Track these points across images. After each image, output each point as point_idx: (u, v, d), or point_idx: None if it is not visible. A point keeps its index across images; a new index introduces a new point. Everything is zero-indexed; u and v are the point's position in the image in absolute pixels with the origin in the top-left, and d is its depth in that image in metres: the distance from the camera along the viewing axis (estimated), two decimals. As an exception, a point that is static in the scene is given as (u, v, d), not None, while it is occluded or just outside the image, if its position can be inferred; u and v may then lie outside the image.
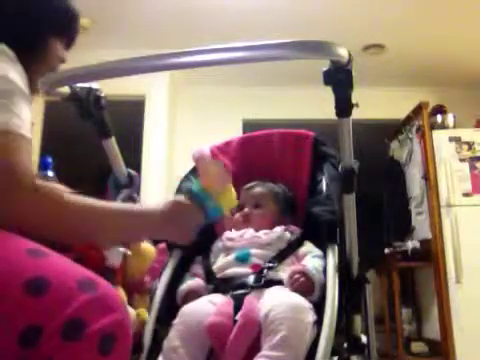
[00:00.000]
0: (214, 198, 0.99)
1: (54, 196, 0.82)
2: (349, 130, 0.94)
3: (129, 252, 1.06)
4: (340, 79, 0.79)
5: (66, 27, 1.10)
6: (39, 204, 0.80)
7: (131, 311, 1.10)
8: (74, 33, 1.12)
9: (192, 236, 1.01)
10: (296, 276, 1.12)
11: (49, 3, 1.04)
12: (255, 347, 0.99)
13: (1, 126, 0.81)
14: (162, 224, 0.95)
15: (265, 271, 1.17)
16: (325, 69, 0.79)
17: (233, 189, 1.04)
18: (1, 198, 0.77)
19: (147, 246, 1.18)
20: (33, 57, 1.00)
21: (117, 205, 0.95)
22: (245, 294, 1.10)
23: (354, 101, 0.86)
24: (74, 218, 0.84)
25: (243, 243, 1.27)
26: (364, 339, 1.22)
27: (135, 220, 0.93)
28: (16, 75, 0.87)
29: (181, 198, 1.00)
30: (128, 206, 0.97)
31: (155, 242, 1.29)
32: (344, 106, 0.87)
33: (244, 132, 3.74)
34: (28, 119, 0.86)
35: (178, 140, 4.23)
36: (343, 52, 0.72)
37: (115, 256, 0.98)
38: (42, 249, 0.76)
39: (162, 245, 1.23)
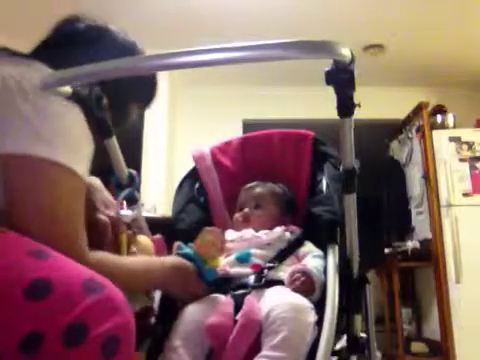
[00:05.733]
0: (208, 262, 1.14)
1: (101, 265, 0.87)
2: (350, 130, 0.94)
3: (150, 302, 1.15)
4: (342, 79, 0.79)
5: (149, 98, 1.18)
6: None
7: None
8: (152, 101, 1.19)
9: (194, 294, 1.13)
10: (297, 275, 1.12)
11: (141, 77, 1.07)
12: (255, 347, 0.99)
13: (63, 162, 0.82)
14: (171, 278, 1.08)
15: (265, 271, 1.16)
16: (327, 69, 0.79)
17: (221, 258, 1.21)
18: None
19: (144, 238, 1.18)
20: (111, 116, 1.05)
21: (137, 262, 1.05)
22: (245, 294, 1.10)
23: (356, 101, 0.86)
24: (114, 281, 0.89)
25: (243, 244, 1.27)
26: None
27: (152, 275, 1.05)
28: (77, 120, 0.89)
29: (182, 259, 1.12)
30: (145, 262, 1.06)
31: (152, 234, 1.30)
32: (346, 106, 0.87)
33: (244, 132, 3.74)
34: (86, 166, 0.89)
35: (178, 140, 4.22)
36: (346, 52, 0.72)
37: (137, 305, 1.03)
38: (45, 249, 0.74)
39: (157, 236, 1.24)
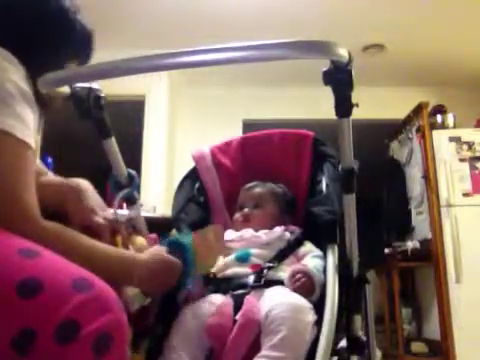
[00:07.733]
0: (198, 266, 1.05)
1: (55, 232, 0.85)
2: (349, 130, 0.94)
3: (148, 300, 1.08)
4: (340, 79, 0.79)
5: (84, 52, 1.12)
6: (42, 238, 0.80)
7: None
8: (90, 55, 1.13)
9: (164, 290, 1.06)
10: (298, 276, 1.12)
11: (70, 32, 1.03)
12: (255, 347, 0.99)
13: (6, 129, 0.80)
14: (146, 278, 0.97)
15: (265, 271, 1.16)
16: (325, 69, 0.79)
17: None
18: (7, 227, 0.78)
19: (141, 239, 1.18)
20: None
21: (105, 248, 0.95)
22: (245, 294, 1.10)
23: (354, 101, 0.86)
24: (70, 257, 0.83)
25: (243, 243, 1.27)
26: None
27: (118, 265, 0.94)
28: (20, 79, 0.87)
29: (164, 251, 1.03)
30: (113, 250, 0.98)
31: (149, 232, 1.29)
32: (344, 106, 0.87)
33: (244, 132, 3.74)
34: (32, 125, 0.86)
35: (178, 140, 4.22)
36: (343, 52, 0.72)
37: (136, 303, 1.01)
38: (35, 248, 0.75)
39: (153, 235, 1.24)
